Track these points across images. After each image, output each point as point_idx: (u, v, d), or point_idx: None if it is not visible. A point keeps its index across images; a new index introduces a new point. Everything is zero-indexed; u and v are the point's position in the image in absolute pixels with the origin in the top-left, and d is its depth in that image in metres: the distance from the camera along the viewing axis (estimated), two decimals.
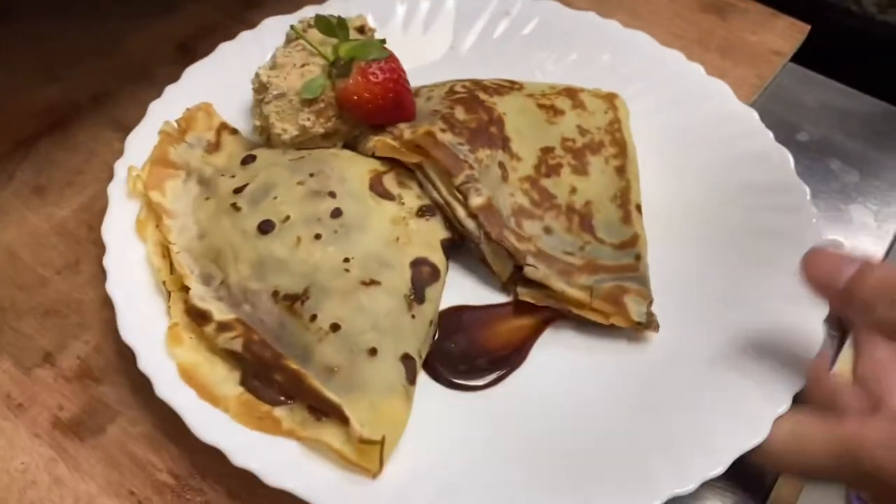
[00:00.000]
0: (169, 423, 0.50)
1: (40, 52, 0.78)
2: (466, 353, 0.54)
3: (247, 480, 0.45)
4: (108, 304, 0.54)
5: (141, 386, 0.52)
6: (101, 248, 0.56)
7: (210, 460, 0.48)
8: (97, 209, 0.63)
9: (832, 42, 0.77)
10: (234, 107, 0.66)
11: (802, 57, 0.78)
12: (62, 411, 0.54)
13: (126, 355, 0.53)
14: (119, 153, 0.62)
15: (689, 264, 0.58)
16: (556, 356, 0.54)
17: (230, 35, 0.73)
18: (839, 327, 0.55)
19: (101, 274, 0.54)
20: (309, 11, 0.72)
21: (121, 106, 0.73)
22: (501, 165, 0.59)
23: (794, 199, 0.59)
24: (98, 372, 0.55)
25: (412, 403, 0.50)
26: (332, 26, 0.61)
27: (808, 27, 0.79)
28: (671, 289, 0.56)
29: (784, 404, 0.49)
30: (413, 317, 0.52)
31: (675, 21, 0.81)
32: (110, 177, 0.61)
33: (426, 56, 0.72)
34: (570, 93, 0.66)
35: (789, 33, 0.79)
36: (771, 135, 0.63)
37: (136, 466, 0.51)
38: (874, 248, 0.64)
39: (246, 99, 0.66)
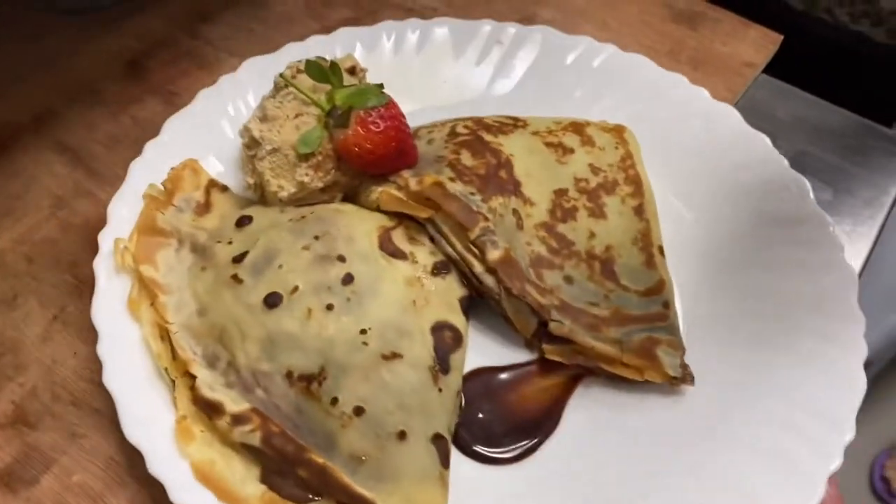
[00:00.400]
0: (106, 472, 0.49)
1: None
2: (495, 423, 0.51)
3: None
4: (47, 341, 0.54)
5: (78, 431, 0.51)
6: (40, 282, 0.56)
7: None
8: (37, 240, 0.61)
9: (805, 52, 0.75)
10: (221, 160, 0.62)
11: (775, 68, 0.76)
12: None
13: (62, 398, 0.52)
14: (62, 178, 0.60)
15: (718, 309, 0.55)
16: (587, 416, 0.52)
17: (182, 51, 0.71)
18: None
19: (42, 311, 0.54)
20: (291, 49, 0.68)
21: (65, 127, 0.69)
22: (515, 213, 0.56)
23: (817, 231, 0.57)
24: (33, 417, 0.52)
25: (448, 489, 0.46)
26: (325, 72, 0.56)
27: (781, 37, 0.77)
28: (701, 336, 0.54)
29: (837, 459, 0.47)
30: (440, 390, 0.49)
31: (646, 32, 0.78)
32: (52, 204, 0.60)
33: (419, 92, 0.68)
34: (577, 128, 0.63)
35: (762, 44, 0.77)
36: (785, 162, 0.61)
37: None
38: None
39: (232, 149, 0.62)
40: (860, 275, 0.59)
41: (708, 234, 0.59)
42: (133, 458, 0.49)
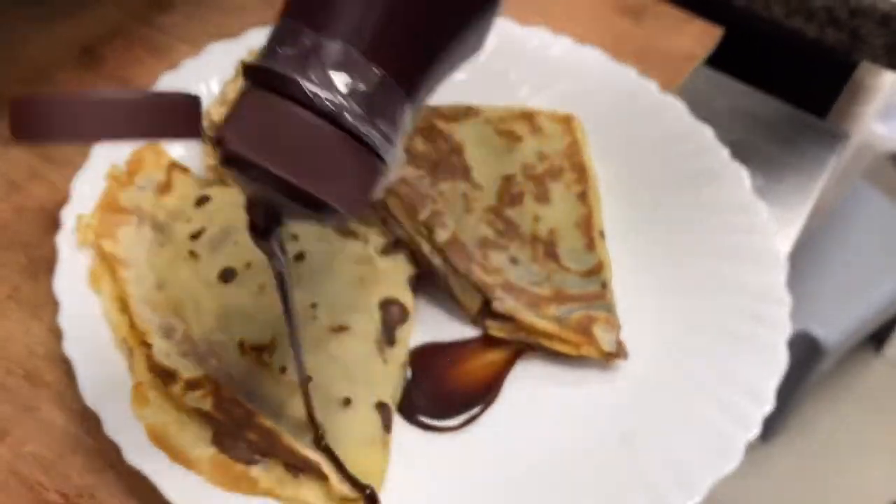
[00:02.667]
0: (59, 442, 0.51)
1: None
2: (439, 393, 0.54)
3: (138, 500, 0.46)
4: (0, 319, 0.56)
5: (31, 404, 0.52)
6: None
7: (99, 480, 0.49)
8: None
9: (744, 46, 0.79)
10: (182, 143, 0.64)
11: (715, 60, 0.79)
12: None
13: (15, 372, 0.54)
14: (16, 163, 0.62)
15: (652, 289, 0.59)
16: (527, 390, 0.54)
17: (135, 38, 0.73)
18: None
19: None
20: (252, 35, 0.70)
21: None
22: (464, 196, 0.59)
23: (751, 218, 0.60)
24: None
25: (389, 452, 0.49)
26: None
27: (721, 31, 0.81)
28: (636, 314, 0.57)
29: (754, 429, 0.50)
30: (385, 361, 0.51)
31: (591, 25, 0.81)
32: (6, 188, 0.61)
33: None
34: (527, 116, 0.65)
35: (702, 37, 0.80)
36: (726, 152, 0.64)
37: (24, 487, 0.50)
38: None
39: None
40: (791, 254, 0.62)
41: (648, 219, 0.62)
42: (84, 428, 0.51)
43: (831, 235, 1.57)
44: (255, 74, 0.32)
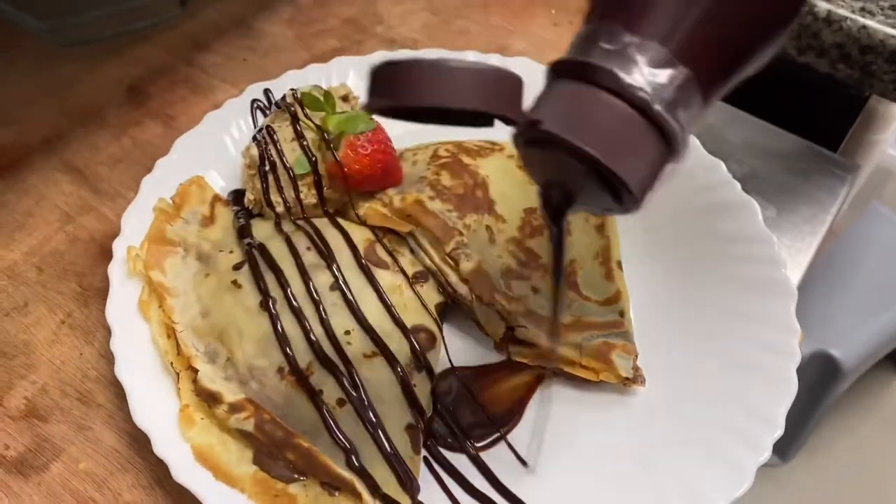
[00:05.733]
0: (110, 460, 0.55)
1: None
2: (465, 416, 0.57)
3: None
4: (55, 344, 0.60)
5: (83, 424, 0.56)
6: (48, 289, 0.63)
7: (148, 497, 0.53)
8: (45, 252, 0.67)
9: (757, 81, 0.81)
10: (224, 177, 0.68)
11: (728, 96, 0.81)
12: (8, 450, 0.56)
13: (70, 394, 0.58)
14: (69, 196, 0.68)
15: (666, 318, 0.61)
16: (547, 411, 0.57)
17: (178, 78, 0.78)
18: None
19: (50, 316, 0.61)
20: (290, 77, 0.74)
21: (72, 148, 0.75)
22: (488, 229, 0.62)
23: (762, 249, 0.63)
24: (43, 412, 0.58)
25: (419, 472, 0.52)
26: (320, 101, 0.63)
27: None
28: (653, 342, 0.60)
29: (766, 453, 0.52)
30: (415, 385, 0.55)
31: None
32: (60, 219, 0.67)
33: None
34: None
35: None
36: (738, 186, 0.67)
37: (78, 503, 0.53)
38: None
39: (235, 167, 0.69)
40: (799, 284, 0.65)
41: (663, 251, 0.65)
42: (133, 447, 0.55)
43: (848, 256, 1.58)
44: (568, 67, 0.36)
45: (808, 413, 1.54)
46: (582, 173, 0.35)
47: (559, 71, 0.36)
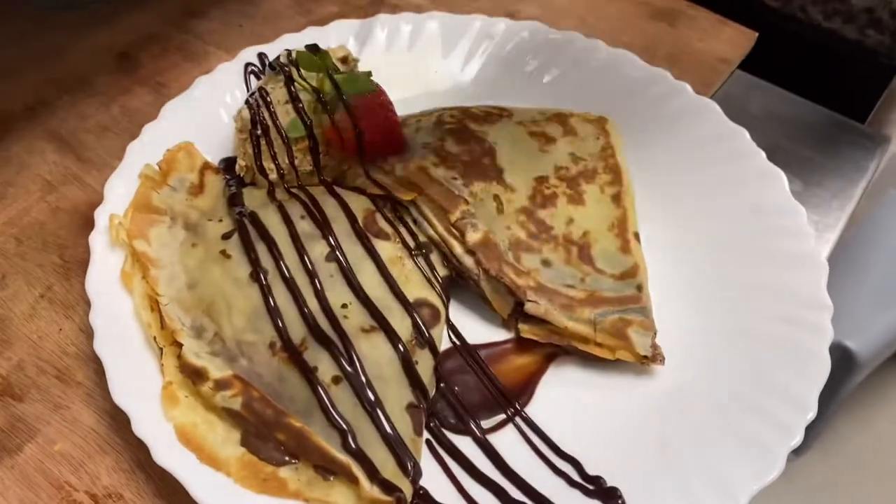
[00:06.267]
0: (88, 441, 0.51)
1: None
2: (471, 396, 0.53)
3: (167, 500, 0.46)
4: (33, 318, 0.57)
5: (61, 403, 0.53)
6: (28, 262, 0.59)
7: (128, 480, 0.49)
8: (25, 223, 0.63)
9: (779, 49, 0.77)
10: (215, 144, 0.64)
11: (750, 64, 0.78)
12: None
13: (47, 371, 0.54)
14: (53, 165, 0.64)
15: (688, 292, 0.57)
16: (561, 394, 0.53)
17: (171, 45, 0.74)
18: None
19: (29, 289, 0.57)
20: (286, 40, 0.70)
21: (58, 116, 0.72)
22: (496, 198, 0.58)
23: (790, 221, 0.59)
24: (18, 390, 0.54)
25: (421, 455, 0.48)
26: (316, 61, 0.59)
27: (756, 35, 0.79)
28: (673, 318, 0.56)
29: (797, 437, 0.48)
30: (417, 363, 0.51)
31: (624, 28, 0.80)
32: (42, 189, 0.63)
33: (410, 82, 0.70)
34: (561, 118, 0.65)
35: (737, 41, 0.79)
36: (763, 155, 0.63)
37: (53, 487, 0.50)
38: None
39: (227, 133, 0.65)
40: (828, 259, 0.61)
41: (684, 222, 0.61)
42: (113, 427, 0.52)
43: (864, 245, 1.54)
44: None
45: (821, 406, 1.50)
46: None
47: None
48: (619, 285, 0.56)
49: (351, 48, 0.69)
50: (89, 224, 0.59)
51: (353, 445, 0.47)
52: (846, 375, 1.47)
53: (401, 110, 0.62)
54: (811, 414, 0.49)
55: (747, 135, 0.64)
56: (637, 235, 0.59)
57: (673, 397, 0.52)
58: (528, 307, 0.54)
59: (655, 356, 0.53)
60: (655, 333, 0.54)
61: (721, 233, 0.60)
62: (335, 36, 0.71)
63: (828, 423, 1.62)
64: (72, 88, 0.73)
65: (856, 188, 0.70)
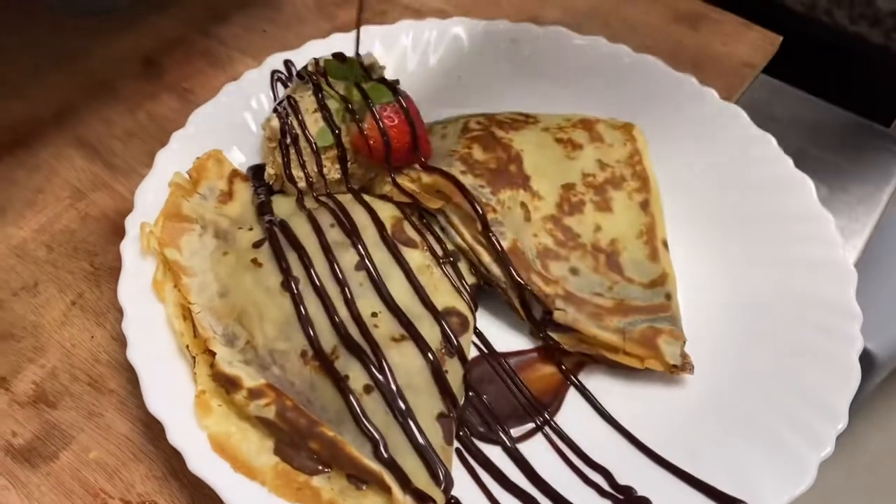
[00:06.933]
0: (122, 449, 0.52)
1: (3, 69, 0.77)
2: (500, 405, 0.53)
3: None
4: (65, 325, 0.57)
5: (94, 410, 0.53)
6: (59, 269, 0.60)
7: (162, 487, 0.50)
8: (56, 230, 0.64)
9: (804, 53, 0.77)
10: (243, 151, 0.65)
11: (774, 68, 0.77)
12: (15, 437, 0.53)
13: (80, 379, 0.55)
14: (81, 171, 0.65)
15: (716, 300, 0.57)
16: (590, 403, 0.53)
17: (195, 50, 0.75)
18: None
19: (61, 296, 0.58)
20: (312, 47, 0.70)
21: (84, 122, 0.72)
22: (524, 206, 0.58)
23: (818, 228, 0.58)
24: (53, 397, 0.55)
25: (452, 464, 0.48)
26: (343, 69, 0.59)
27: (780, 38, 0.79)
28: (702, 327, 0.56)
29: (828, 447, 0.48)
30: (446, 371, 0.51)
31: (648, 32, 0.80)
32: (71, 195, 0.64)
33: (436, 88, 0.71)
34: (587, 125, 0.65)
35: (761, 45, 0.79)
36: (791, 162, 0.62)
37: (89, 494, 0.50)
38: None
39: (255, 141, 0.65)
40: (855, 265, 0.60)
41: (712, 228, 0.61)
42: (146, 435, 0.52)
43: (885, 246, 1.53)
44: None
45: None
46: None
47: None
48: (647, 294, 0.56)
49: (376, 54, 0.70)
50: (118, 230, 0.60)
51: (385, 454, 0.47)
52: (865, 377, 1.46)
53: (426, 117, 0.62)
54: (842, 424, 0.49)
55: (774, 141, 0.64)
56: (665, 243, 0.59)
57: (702, 407, 0.52)
58: (557, 315, 0.54)
59: (685, 365, 0.53)
60: (685, 342, 0.54)
61: (748, 240, 0.60)
62: (361, 42, 0.71)
63: (846, 426, 1.61)
64: (97, 94, 0.74)
65: (882, 193, 0.69)
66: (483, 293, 0.58)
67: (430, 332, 0.52)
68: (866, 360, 1.44)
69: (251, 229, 0.57)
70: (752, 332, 0.55)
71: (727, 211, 0.62)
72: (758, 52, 0.78)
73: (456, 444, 0.50)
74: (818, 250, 0.57)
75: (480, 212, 0.56)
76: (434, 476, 0.47)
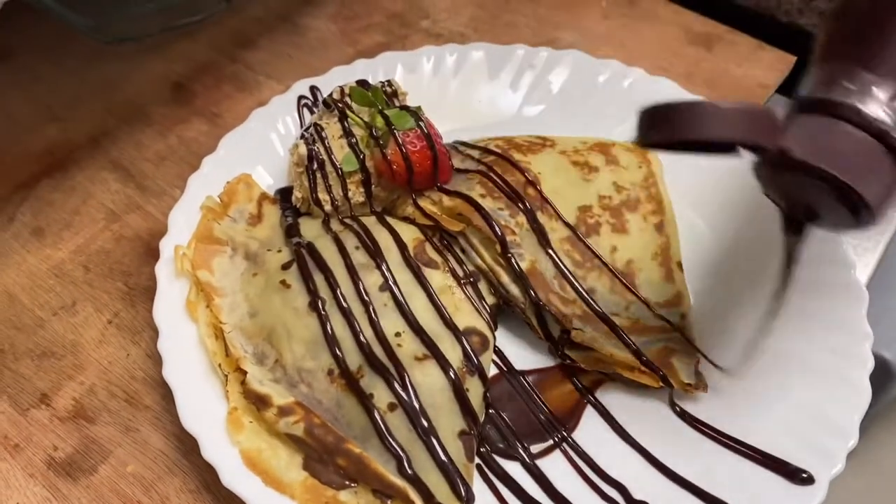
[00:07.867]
0: (157, 463, 0.54)
1: (40, 93, 0.79)
2: (519, 422, 0.55)
3: None
4: (103, 344, 0.60)
5: (131, 426, 0.56)
6: (95, 289, 0.63)
7: (196, 501, 0.52)
8: (92, 251, 0.66)
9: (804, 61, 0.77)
10: (272, 174, 0.67)
11: (788, 88, 0.78)
12: (56, 451, 0.55)
13: (117, 395, 0.57)
14: (116, 194, 0.68)
15: (732, 320, 0.59)
16: (606, 420, 0.55)
17: (224, 75, 0.78)
18: None
19: (98, 316, 0.61)
20: (337, 73, 0.73)
21: (118, 146, 0.75)
22: (542, 228, 0.60)
23: (831, 249, 0.60)
24: (92, 412, 0.57)
25: (473, 480, 0.50)
26: (368, 97, 0.61)
27: (794, 59, 0.80)
28: (716, 346, 0.57)
29: (839, 464, 0.50)
30: (468, 390, 0.53)
31: (663, 54, 0.82)
32: (106, 217, 0.67)
33: (456, 112, 0.73)
34: (603, 147, 0.66)
35: (775, 65, 0.80)
36: None
37: None
38: None
39: (282, 164, 0.67)
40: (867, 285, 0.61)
41: (725, 250, 0.62)
42: (181, 450, 0.55)
43: None
44: (813, 103, 0.41)
45: None
46: (825, 192, 0.40)
47: (804, 106, 0.42)
48: (663, 314, 0.58)
49: (399, 79, 0.72)
50: (151, 252, 0.62)
51: (409, 471, 0.49)
52: (882, 387, 1.46)
53: (447, 139, 0.64)
54: (853, 441, 0.51)
55: None
56: (680, 264, 0.60)
57: (715, 424, 0.54)
58: (575, 335, 0.56)
59: (699, 384, 0.54)
60: (699, 361, 0.55)
61: (761, 261, 0.61)
62: (383, 68, 0.73)
63: (862, 437, 1.61)
64: (130, 119, 0.77)
65: (895, 212, 0.70)
66: (502, 313, 0.60)
67: (452, 351, 0.54)
68: (884, 369, 1.44)
69: (280, 251, 0.59)
70: (765, 352, 0.56)
71: (740, 232, 0.63)
72: (772, 73, 0.79)
73: (477, 459, 0.52)
74: (832, 271, 0.59)
75: (500, 234, 0.58)
76: (456, 492, 0.49)
